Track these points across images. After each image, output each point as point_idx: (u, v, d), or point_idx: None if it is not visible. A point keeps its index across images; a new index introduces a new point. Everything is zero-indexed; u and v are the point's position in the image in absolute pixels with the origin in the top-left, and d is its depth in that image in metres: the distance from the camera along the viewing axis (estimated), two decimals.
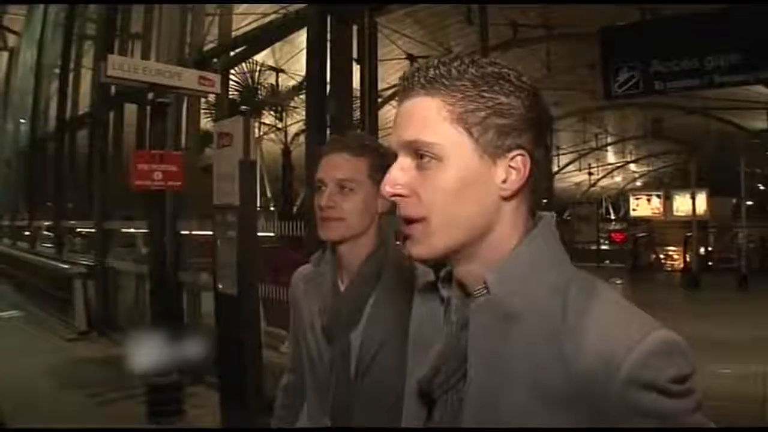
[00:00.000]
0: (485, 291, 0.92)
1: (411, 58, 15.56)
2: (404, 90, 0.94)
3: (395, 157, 0.95)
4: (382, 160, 1.56)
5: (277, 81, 14.02)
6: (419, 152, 0.91)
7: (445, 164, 0.89)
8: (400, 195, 0.93)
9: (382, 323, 1.57)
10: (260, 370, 4.62)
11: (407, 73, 0.94)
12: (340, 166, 1.60)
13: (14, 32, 20.54)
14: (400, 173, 0.92)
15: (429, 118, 0.90)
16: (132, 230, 8.76)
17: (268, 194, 19.46)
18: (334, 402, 1.60)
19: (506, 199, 0.92)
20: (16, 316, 10.79)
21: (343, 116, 5.28)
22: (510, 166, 0.91)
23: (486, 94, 0.89)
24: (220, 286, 4.66)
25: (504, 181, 0.91)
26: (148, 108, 5.94)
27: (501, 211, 0.92)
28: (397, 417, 1.41)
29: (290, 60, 13.55)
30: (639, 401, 0.78)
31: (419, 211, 0.91)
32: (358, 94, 5.80)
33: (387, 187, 0.93)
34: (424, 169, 0.91)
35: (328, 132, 5.31)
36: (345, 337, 1.60)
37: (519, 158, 0.90)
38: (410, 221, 0.93)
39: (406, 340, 1.27)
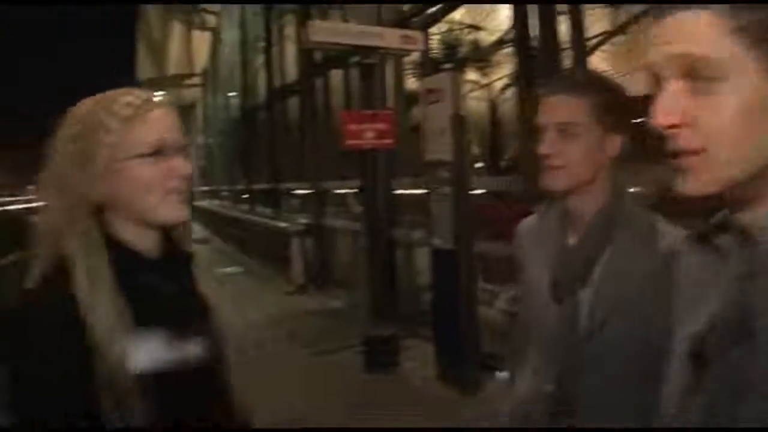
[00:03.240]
0: None
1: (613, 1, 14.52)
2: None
3: (634, 94, 0.81)
4: (610, 98, 1.42)
5: (477, 38, 13.85)
6: (693, 71, 0.75)
7: (727, 85, 0.73)
8: (674, 125, 0.77)
9: (615, 284, 1.41)
10: (476, 326, 4.64)
11: None
12: (559, 108, 1.45)
13: (213, 12, 22.01)
14: (673, 99, 0.76)
15: (701, 31, 0.74)
16: (346, 190, 9.12)
17: (476, 151, 19.53)
18: (562, 365, 1.47)
19: None
20: (238, 272, 11.83)
21: (550, 67, 5.06)
22: None
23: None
24: (437, 242, 4.72)
25: None
26: (353, 72, 6.04)
27: None
28: (625, 383, 1.33)
29: (488, 17, 13.32)
30: None
31: (697, 142, 0.76)
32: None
33: (659, 117, 0.77)
34: (701, 93, 0.75)
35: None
36: (573, 297, 1.46)
37: None
38: (684, 153, 0.78)
39: (641, 303, 1.18)
